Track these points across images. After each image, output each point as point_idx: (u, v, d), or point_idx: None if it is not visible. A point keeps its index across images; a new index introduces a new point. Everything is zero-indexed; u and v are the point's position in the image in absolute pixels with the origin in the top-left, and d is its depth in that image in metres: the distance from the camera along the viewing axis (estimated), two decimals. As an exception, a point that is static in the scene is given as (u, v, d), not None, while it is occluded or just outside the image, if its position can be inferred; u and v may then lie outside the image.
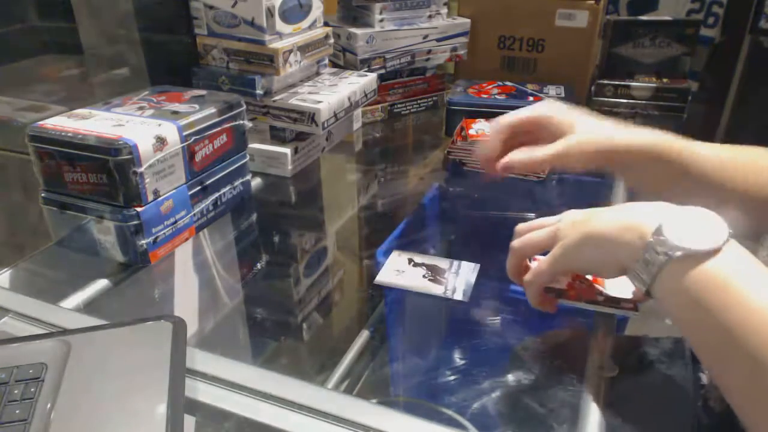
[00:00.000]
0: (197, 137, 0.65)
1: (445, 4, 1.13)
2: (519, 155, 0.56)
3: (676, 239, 0.36)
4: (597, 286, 0.51)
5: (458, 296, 0.57)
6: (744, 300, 0.33)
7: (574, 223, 0.45)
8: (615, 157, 0.55)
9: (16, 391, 0.38)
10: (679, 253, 0.36)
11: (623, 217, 0.41)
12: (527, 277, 0.49)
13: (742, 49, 1.50)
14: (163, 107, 0.66)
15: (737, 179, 0.52)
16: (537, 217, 0.51)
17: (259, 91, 0.83)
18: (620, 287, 0.51)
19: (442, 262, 0.62)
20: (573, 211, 0.47)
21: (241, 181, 0.75)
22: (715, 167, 0.53)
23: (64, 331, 0.46)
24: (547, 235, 0.47)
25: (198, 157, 0.65)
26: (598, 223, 0.43)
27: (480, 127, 0.86)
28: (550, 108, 0.58)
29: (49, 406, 0.37)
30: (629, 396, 0.54)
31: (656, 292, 0.38)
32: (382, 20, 1.05)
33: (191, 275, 0.71)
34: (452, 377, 0.63)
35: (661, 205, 0.41)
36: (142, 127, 0.60)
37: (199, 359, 0.45)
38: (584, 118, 0.57)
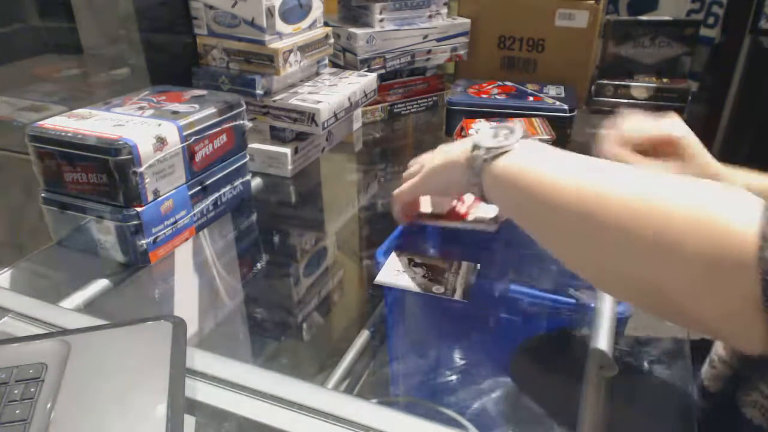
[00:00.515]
0: (197, 137, 0.65)
1: (445, 4, 1.13)
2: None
3: (487, 145, 0.48)
4: (469, 212, 0.66)
5: (458, 296, 0.57)
6: (540, 176, 0.43)
7: (432, 158, 0.58)
8: None
9: (16, 391, 0.38)
10: (491, 152, 0.47)
11: (459, 146, 0.53)
12: (394, 192, 0.63)
13: (742, 49, 1.50)
14: (163, 107, 0.66)
15: None
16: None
17: (259, 91, 0.83)
18: (485, 212, 0.65)
19: (442, 262, 0.62)
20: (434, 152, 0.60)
21: (241, 181, 0.75)
22: None
23: (64, 331, 0.46)
24: (409, 177, 0.61)
25: (198, 157, 0.65)
26: (445, 155, 0.55)
27: (479, 127, 0.86)
28: (680, 128, 0.60)
29: (49, 406, 0.37)
30: (629, 396, 0.54)
31: (485, 190, 0.49)
32: (382, 20, 1.05)
33: (191, 275, 0.71)
34: (452, 377, 0.63)
35: (481, 131, 0.52)
36: (142, 127, 0.60)
37: (199, 359, 0.45)
38: (705, 153, 0.59)
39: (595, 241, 0.39)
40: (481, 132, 0.51)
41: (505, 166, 0.46)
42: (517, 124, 0.51)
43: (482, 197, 0.51)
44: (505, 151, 0.47)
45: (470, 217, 0.65)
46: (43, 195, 0.62)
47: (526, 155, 0.46)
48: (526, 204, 0.45)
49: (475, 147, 0.49)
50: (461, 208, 0.67)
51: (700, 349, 0.59)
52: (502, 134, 0.49)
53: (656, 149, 0.58)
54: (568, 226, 0.41)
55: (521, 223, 0.47)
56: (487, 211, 0.66)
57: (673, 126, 0.59)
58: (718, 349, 0.57)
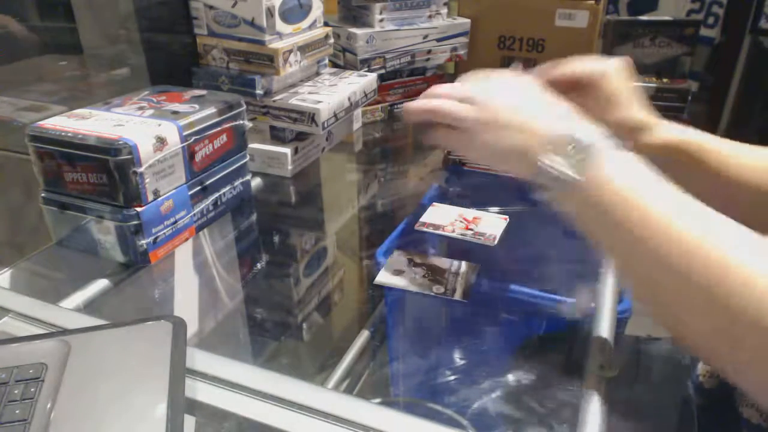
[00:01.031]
0: (197, 137, 0.65)
1: (445, 4, 1.13)
2: None
3: (587, 141, 0.41)
4: (471, 225, 0.67)
5: (458, 296, 0.57)
6: (644, 210, 0.39)
7: (489, 126, 0.47)
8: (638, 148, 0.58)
9: (16, 391, 0.38)
10: (587, 154, 0.41)
11: (542, 126, 0.44)
12: (425, 103, 0.51)
13: (742, 49, 1.50)
14: (163, 107, 0.66)
15: (753, 179, 0.54)
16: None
17: (259, 91, 0.83)
18: (489, 227, 0.67)
19: (442, 262, 0.62)
20: (492, 96, 0.48)
21: (241, 181, 0.75)
22: (732, 165, 0.54)
23: (64, 331, 0.46)
24: (464, 116, 0.48)
25: (198, 157, 0.65)
26: (509, 138, 0.46)
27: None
28: (603, 68, 0.58)
29: (49, 406, 0.37)
30: (629, 396, 0.54)
31: (564, 205, 0.44)
32: (382, 20, 1.05)
33: (191, 275, 0.71)
34: (452, 377, 0.63)
35: (562, 121, 0.44)
36: (142, 127, 0.60)
37: (199, 359, 0.45)
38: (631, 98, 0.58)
39: (682, 295, 0.37)
40: (580, 125, 0.43)
41: (600, 183, 0.41)
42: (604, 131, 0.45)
43: (549, 198, 0.45)
44: (598, 155, 0.41)
45: (470, 232, 0.66)
46: (43, 195, 0.62)
47: (624, 172, 0.41)
48: (622, 234, 0.40)
49: (572, 142, 0.42)
50: (462, 223, 0.68)
51: None
52: (594, 131, 0.43)
53: (575, 90, 0.56)
54: (658, 273, 0.38)
55: (603, 244, 0.43)
56: (488, 227, 0.66)
57: (598, 65, 0.58)
58: None
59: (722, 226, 0.38)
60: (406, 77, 1.14)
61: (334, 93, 0.87)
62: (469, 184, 0.86)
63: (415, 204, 0.82)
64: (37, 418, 0.36)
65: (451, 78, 1.21)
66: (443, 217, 0.70)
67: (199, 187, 0.67)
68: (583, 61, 0.58)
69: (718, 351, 0.37)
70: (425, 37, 1.10)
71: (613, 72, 0.58)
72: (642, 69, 1.17)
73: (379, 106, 1.12)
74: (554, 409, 0.54)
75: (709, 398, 0.56)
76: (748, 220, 0.38)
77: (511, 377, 0.58)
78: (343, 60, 1.08)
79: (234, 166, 0.73)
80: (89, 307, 0.57)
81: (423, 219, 0.70)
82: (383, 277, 0.60)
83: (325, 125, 0.84)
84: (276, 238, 0.83)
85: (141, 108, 0.65)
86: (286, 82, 0.89)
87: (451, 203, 0.77)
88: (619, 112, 0.57)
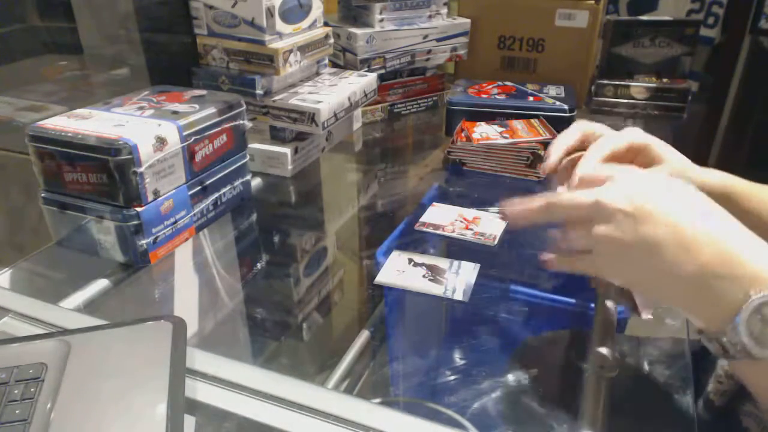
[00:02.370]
0: (197, 137, 0.65)
1: (445, 4, 1.13)
2: None
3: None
4: (471, 225, 0.68)
5: (458, 296, 0.57)
6: None
7: (623, 248, 0.39)
8: None
9: (16, 391, 0.38)
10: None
11: (717, 266, 0.36)
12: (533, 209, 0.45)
13: (742, 49, 1.50)
14: (163, 107, 0.66)
15: None
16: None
17: (259, 91, 0.83)
18: (489, 227, 0.67)
19: (442, 262, 0.62)
20: (623, 209, 0.38)
21: (241, 181, 0.75)
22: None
23: (64, 331, 0.46)
24: (585, 239, 0.42)
25: (198, 157, 0.65)
26: (668, 265, 0.37)
27: (483, 130, 0.86)
28: (644, 137, 0.54)
29: (49, 406, 0.37)
30: (629, 396, 0.54)
31: (737, 368, 0.38)
32: (382, 20, 1.05)
33: (191, 275, 0.71)
34: (452, 377, 0.63)
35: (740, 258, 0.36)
36: (142, 127, 0.60)
37: (199, 359, 0.45)
38: (673, 153, 0.54)
39: None
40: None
41: None
42: None
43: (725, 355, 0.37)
44: None
45: (470, 232, 0.66)
46: (43, 195, 0.62)
47: None
48: None
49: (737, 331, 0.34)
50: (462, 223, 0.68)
51: (703, 357, 0.59)
52: None
53: (621, 160, 0.52)
54: None
55: None
56: (488, 227, 0.67)
57: (637, 135, 0.53)
58: (725, 365, 0.57)
59: None
60: (406, 77, 1.14)
61: (334, 93, 0.87)
62: (469, 184, 0.86)
63: (415, 204, 0.82)
64: (37, 418, 0.36)
65: (451, 78, 1.21)
66: (443, 217, 0.70)
67: (199, 187, 0.67)
68: (615, 137, 0.53)
69: None
70: (425, 37, 1.10)
71: (647, 140, 0.53)
72: (642, 69, 1.17)
73: (379, 106, 1.12)
74: (554, 409, 0.54)
75: (716, 413, 0.56)
76: None
77: (511, 377, 0.58)
78: (343, 60, 1.08)
79: (234, 166, 0.73)
80: (89, 307, 0.57)
81: (423, 219, 0.70)
82: (383, 277, 0.60)
83: (325, 125, 0.84)
84: (276, 238, 0.83)
85: (141, 108, 0.65)
86: (286, 82, 0.89)
87: (451, 203, 0.77)
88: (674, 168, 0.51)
